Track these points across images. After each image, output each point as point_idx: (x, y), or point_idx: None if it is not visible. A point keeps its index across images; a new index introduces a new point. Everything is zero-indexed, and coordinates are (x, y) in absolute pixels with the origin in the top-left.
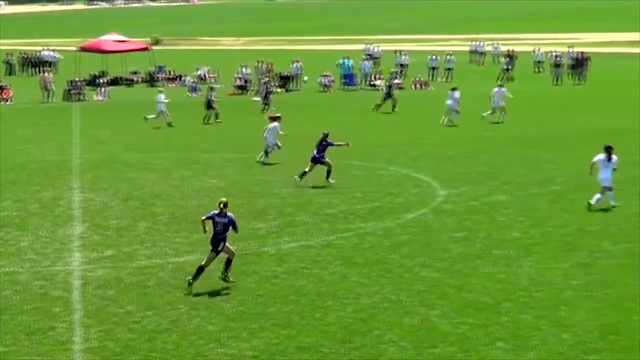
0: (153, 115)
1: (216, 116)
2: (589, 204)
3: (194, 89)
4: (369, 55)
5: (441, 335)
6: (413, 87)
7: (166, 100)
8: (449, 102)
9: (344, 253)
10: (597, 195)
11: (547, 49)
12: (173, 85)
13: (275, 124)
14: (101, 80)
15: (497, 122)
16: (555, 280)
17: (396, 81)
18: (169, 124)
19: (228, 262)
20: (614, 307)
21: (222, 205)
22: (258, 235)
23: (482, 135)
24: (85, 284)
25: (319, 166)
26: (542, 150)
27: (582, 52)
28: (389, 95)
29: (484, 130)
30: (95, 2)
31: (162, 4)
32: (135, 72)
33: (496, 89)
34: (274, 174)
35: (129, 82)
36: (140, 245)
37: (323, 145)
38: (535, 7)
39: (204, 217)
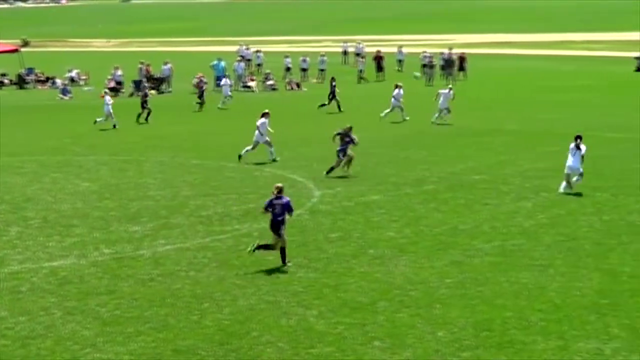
0: (102, 118)
1: (147, 115)
2: (560, 192)
3: (65, 91)
4: (241, 56)
5: (318, 335)
6: (286, 88)
7: (111, 102)
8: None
9: (220, 255)
10: (564, 184)
11: (419, 50)
12: (44, 87)
13: (264, 119)
14: None
15: (444, 124)
16: (430, 278)
17: (269, 82)
18: (114, 126)
19: (282, 251)
20: (487, 304)
21: (277, 190)
22: (133, 238)
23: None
24: None
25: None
26: (414, 150)
27: (451, 53)
28: (333, 95)
29: (357, 130)
30: None
31: (30, 5)
32: (3, 74)
33: (444, 91)
34: (149, 177)
35: None
36: (12, 250)
37: (347, 140)
38: (406, 9)
39: (264, 205)
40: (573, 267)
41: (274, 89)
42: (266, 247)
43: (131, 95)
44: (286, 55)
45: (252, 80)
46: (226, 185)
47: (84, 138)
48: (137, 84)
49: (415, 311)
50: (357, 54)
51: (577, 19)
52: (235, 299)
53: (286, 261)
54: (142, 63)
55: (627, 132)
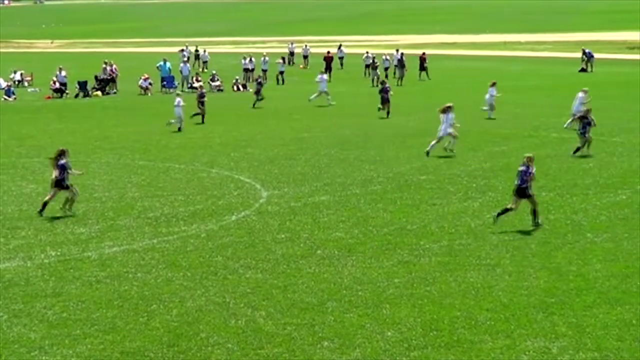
0: (174, 120)
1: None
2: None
3: (9, 93)
4: (188, 57)
5: (267, 336)
6: (233, 89)
7: (183, 104)
8: (487, 96)
9: (168, 256)
10: None
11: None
12: None
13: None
14: None
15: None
16: (378, 278)
17: (215, 83)
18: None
19: (534, 212)
20: (435, 303)
21: (528, 160)
22: (79, 240)
23: (301, 136)
24: None
25: None
26: (361, 151)
27: (402, 54)
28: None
29: (304, 131)
30: None
31: None
32: None
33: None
34: (95, 178)
35: None
36: None
37: (585, 122)
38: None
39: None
40: (520, 266)
41: (220, 90)
42: (505, 211)
43: (76, 96)
44: (244, 56)
45: (198, 80)
46: (173, 187)
47: (29, 140)
48: (82, 85)
49: (363, 311)
50: (305, 56)
51: (520, 19)
52: (183, 301)
53: (538, 221)
54: (105, 63)
55: (572, 132)
